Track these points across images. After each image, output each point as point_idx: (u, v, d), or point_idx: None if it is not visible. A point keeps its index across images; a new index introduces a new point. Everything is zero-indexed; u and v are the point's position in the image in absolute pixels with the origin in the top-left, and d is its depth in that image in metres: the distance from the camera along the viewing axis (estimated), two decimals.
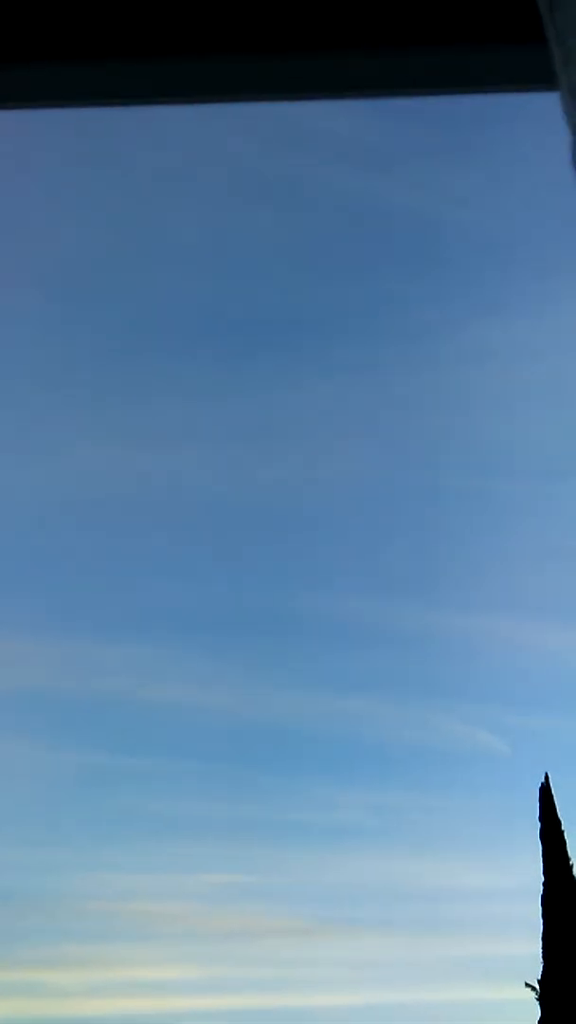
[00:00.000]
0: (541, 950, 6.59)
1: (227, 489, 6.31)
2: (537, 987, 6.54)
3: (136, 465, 6.18)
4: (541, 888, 6.61)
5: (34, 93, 1.15)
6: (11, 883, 6.03)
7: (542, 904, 6.62)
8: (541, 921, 6.59)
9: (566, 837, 6.69)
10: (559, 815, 6.68)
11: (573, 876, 6.65)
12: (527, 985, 6.57)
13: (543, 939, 6.60)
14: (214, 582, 6.45)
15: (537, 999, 6.51)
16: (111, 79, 1.10)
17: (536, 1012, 6.49)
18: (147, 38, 1.01)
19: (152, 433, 6.16)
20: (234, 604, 6.41)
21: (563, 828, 6.69)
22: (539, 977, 6.54)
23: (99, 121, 4.76)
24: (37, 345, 6.01)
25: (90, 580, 6.36)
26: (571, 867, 6.66)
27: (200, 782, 6.39)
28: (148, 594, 6.35)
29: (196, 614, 6.51)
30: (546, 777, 6.77)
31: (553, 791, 6.76)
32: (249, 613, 6.48)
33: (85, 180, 5.59)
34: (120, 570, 6.38)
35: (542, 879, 6.63)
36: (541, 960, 6.57)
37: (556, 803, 6.75)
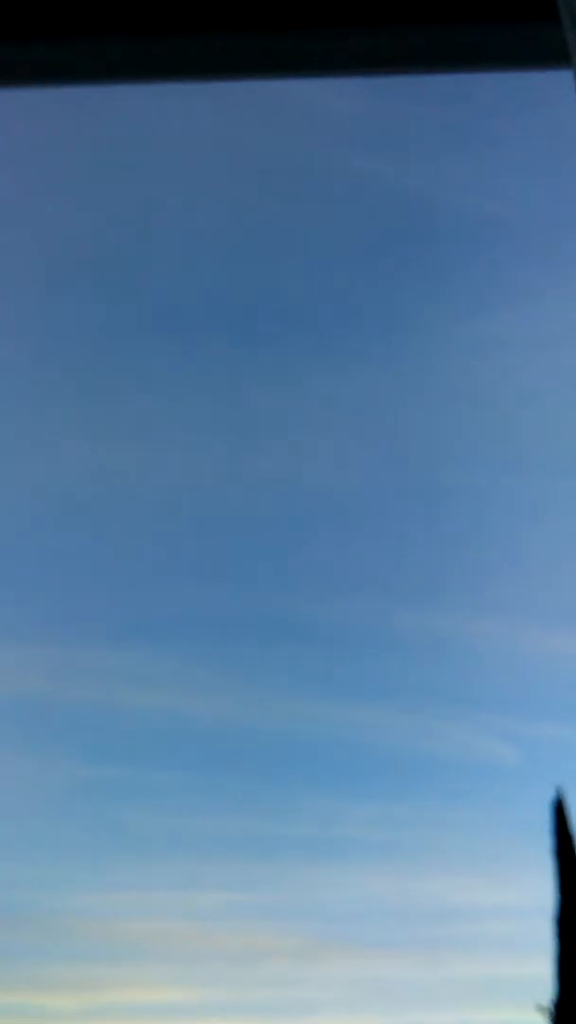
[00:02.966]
0: (553, 971, 6.56)
1: (223, 489, 6.22)
2: (549, 1009, 6.51)
3: (127, 464, 6.11)
4: (553, 906, 6.58)
5: (31, 71, 1.12)
6: (1, 901, 5.91)
7: (554, 923, 6.58)
8: (553, 941, 6.56)
9: None
10: (572, 830, 6.61)
11: None
12: (538, 1007, 6.54)
13: (555, 960, 6.55)
14: (212, 586, 6.34)
15: (549, 1023, 6.46)
16: (109, 57, 1.07)
17: None
18: (147, 15, 1.00)
19: (142, 431, 6.09)
20: (233, 609, 6.31)
21: None
22: (551, 999, 6.51)
23: (94, 101, 4.71)
24: (23, 337, 5.95)
25: (81, 584, 6.26)
26: None
27: (199, 795, 6.28)
28: (143, 598, 6.25)
29: (193, 619, 6.41)
30: (559, 791, 6.70)
31: (566, 806, 6.70)
32: (248, 618, 6.37)
33: (75, 165, 5.55)
34: (112, 573, 6.28)
35: (554, 897, 6.59)
36: (553, 982, 6.55)
37: (569, 818, 6.68)
